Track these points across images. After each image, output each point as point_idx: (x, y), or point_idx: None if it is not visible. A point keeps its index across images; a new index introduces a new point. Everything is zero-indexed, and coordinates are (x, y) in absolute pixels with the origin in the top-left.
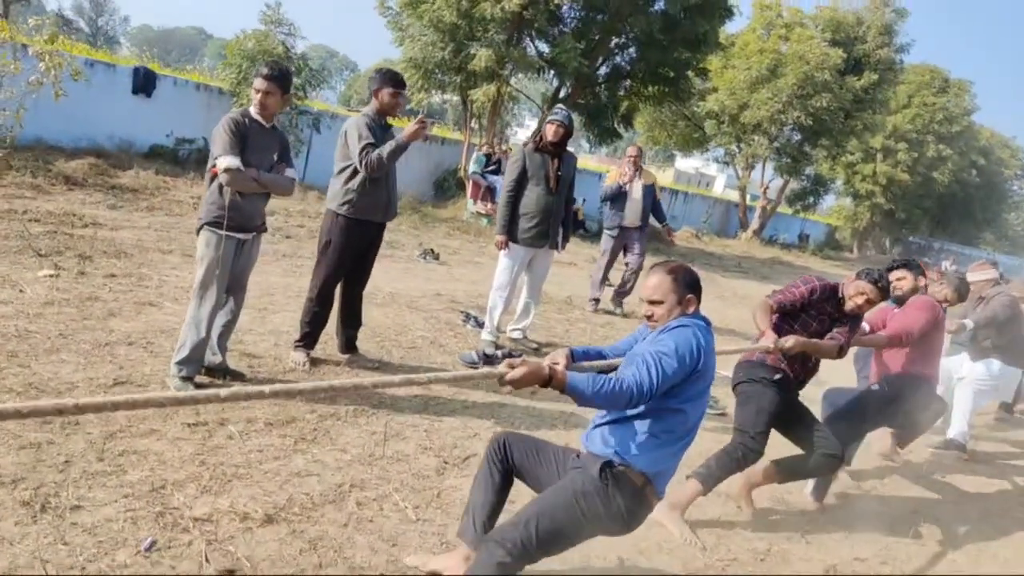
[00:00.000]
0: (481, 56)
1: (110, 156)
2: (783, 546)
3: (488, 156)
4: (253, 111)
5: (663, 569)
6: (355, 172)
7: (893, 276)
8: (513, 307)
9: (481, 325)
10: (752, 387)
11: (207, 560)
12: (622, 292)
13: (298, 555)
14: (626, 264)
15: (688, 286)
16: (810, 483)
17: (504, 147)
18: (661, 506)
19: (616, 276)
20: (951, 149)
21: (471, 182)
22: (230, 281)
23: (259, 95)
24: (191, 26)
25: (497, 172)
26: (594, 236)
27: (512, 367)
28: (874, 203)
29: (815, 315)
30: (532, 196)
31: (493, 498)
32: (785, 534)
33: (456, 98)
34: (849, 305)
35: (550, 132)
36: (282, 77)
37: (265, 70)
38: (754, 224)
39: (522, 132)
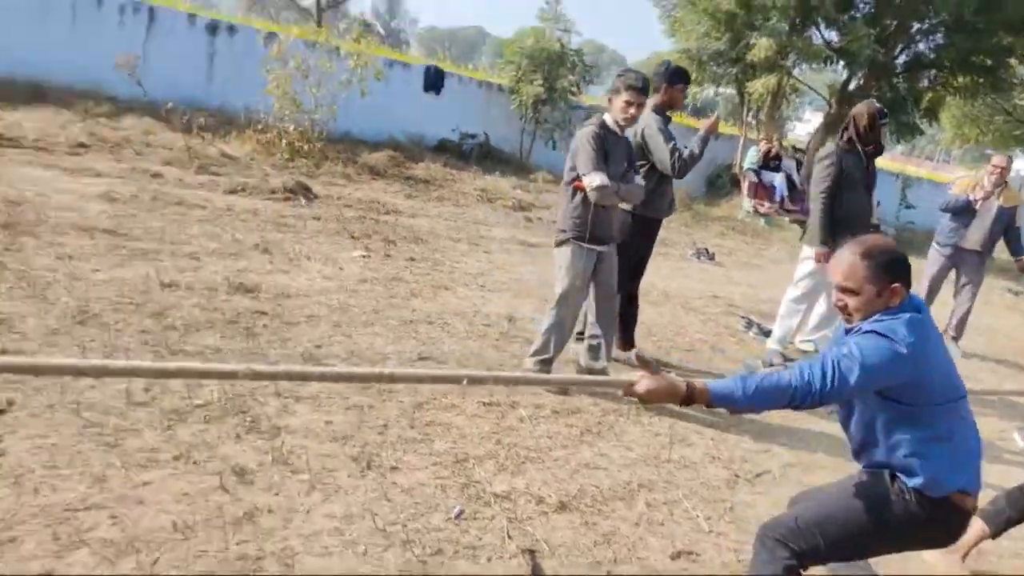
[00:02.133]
0: (761, 46)
1: (404, 149)
2: None
3: (767, 153)
4: (609, 120)
5: None
6: (651, 170)
7: None
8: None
9: (767, 334)
10: None
11: (509, 536)
12: (957, 330)
13: (592, 547)
14: (957, 294)
15: (888, 271)
16: None
17: (784, 143)
18: (935, 552)
19: (943, 309)
20: None
21: (746, 179)
22: (598, 291)
23: (630, 107)
24: (472, 26)
25: (777, 169)
26: None
27: (643, 377)
28: None
29: None
30: (851, 201)
31: None
32: None
33: (731, 90)
34: None
35: (882, 134)
36: (647, 88)
37: (636, 82)
38: None
39: (800, 127)
